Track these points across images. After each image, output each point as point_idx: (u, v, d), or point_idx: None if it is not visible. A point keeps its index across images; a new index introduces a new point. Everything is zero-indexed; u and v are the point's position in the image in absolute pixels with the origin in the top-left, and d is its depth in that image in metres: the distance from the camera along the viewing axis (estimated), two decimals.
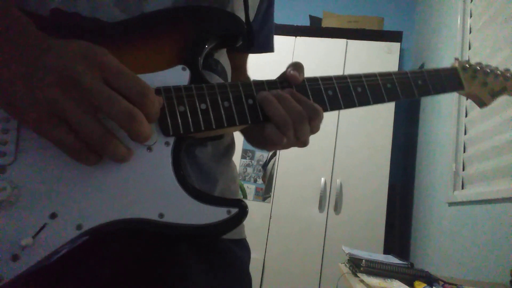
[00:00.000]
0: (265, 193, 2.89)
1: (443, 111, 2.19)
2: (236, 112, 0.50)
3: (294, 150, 2.40)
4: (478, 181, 1.64)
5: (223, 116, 0.49)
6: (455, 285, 1.11)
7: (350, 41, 2.78)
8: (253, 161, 3.08)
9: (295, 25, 3.00)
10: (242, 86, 0.51)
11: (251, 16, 0.67)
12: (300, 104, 0.51)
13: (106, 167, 0.43)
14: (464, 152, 1.81)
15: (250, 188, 3.02)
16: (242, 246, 0.64)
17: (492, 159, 1.51)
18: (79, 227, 0.41)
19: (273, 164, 2.72)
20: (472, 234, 1.57)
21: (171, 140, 0.46)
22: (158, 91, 0.47)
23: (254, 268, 2.47)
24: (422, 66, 2.83)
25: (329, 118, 2.63)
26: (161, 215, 0.44)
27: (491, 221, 1.43)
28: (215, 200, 0.46)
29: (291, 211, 2.57)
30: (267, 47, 0.77)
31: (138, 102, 0.41)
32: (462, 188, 1.78)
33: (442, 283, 1.15)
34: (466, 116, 1.85)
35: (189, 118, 0.47)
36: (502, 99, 1.45)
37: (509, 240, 1.26)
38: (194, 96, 0.48)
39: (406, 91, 0.61)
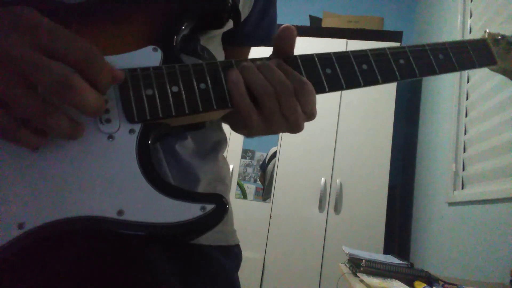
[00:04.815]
0: (264, 195, 2.89)
1: (443, 111, 2.19)
2: (214, 94, 0.43)
3: (294, 150, 2.37)
4: (478, 181, 1.64)
5: (198, 99, 0.42)
6: (455, 285, 1.11)
7: (350, 41, 2.78)
8: (253, 161, 3.08)
9: (295, 25, 2.99)
10: (221, 65, 0.45)
11: (248, 5, 0.61)
12: (287, 76, 0.44)
13: (57, 157, 0.37)
14: (464, 152, 1.81)
15: (250, 188, 3.02)
16: (229, 253, 0.56)
17: (492, 159, 1.51)
18: (21, 225, 0.35)
19: (274, 165, 2.71)
20: (472, 234, 1.57)
21: (137, 127, 0.40)
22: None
23: (254, 268, 2.47)
24: None
25: (329, 118, 2.64)
26: (120, 212, 0.37)
27: (491, 221, 1.42)
28: (188, 195, 0.39)
29: (291, 211, 2.57)
30: (269, 39, 0.69)
31: (80, 66, 0.35)
32: (462, 188, 1.78)
33: (442, 283, 1.15)
34: (466, 116, 1.85)
35: (158, 102, 0.41)
36: (502, 99, 1.45)
37: (509, 240, 1.25)
38: (164, 77, 0.42)
39: (424, 67, 0.52)
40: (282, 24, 0.49)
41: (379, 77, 0.49)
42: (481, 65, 0.58)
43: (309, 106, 0.45)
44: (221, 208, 0.39)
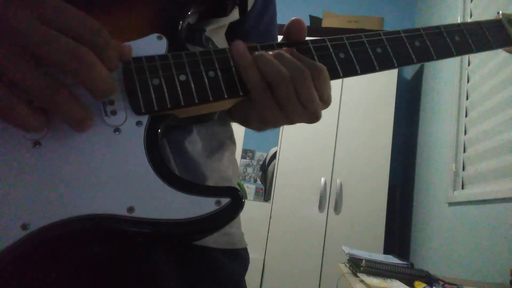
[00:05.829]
0: (266, 195, 2.89)
1: (443, 111, 2.19)
2: (223, 82, 0.41)
3: (294, 150, 2.36)
4: (478, 181, 1.64)
5: (208, 88, 0.40)
6: (455, 285, 1.11)
7: None
8: (253, 161, 3.08)
9: None
10: (230, 51, 0.43)
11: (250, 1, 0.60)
12: (302, 62, 0.42)
13: (61, 152, 0.35)
14: (464, 152, 1.81)
15: (250, 188, 3.02)
16: (237, 257, 0.54)
17: (492, 159, 1.51)
18: (24, 226, 0.33)
19: (274, 166, 2.71)
20: (472, 234, 1.57)
21: (144, 119, 0.39)
22: (127, 62, 0.39)
23: (254, 268, 2.47)
24: (422, 66, 2.83)
25: (329, 118, 2.63)
26: (130, 209, 0.35)
27: (491, 221, 1.43)
28: (200, 189, 0.37)
29: (291, 211, 2.57)
30: (270, 35, 0.68)
31: (87, 41, 0.34)
32: (462, 188, 1.78)
33: (442, 283, 1.15)
34: (466, 116, 1.85)
35: (165, 91, 0.39)
36: (502, 98, 1.45)
37: (509, 240, 1.25)
38: (171, 66, 0.40)
39: (441, 50, 0.50)
40: (283, 24, 0.48)
41: (394, 60, 0.47)
42: (497, 46, 0.56)
43: (326, 92, 0.43)
44: (236, 201, 0.37)
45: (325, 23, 3.03)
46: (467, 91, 1.87)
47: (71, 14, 0.34)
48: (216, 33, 0.56)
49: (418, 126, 2.72)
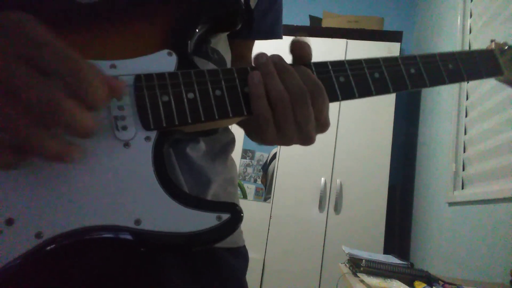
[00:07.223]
0: (266, 195, 2.89)
1: (443, 111, 2.19)
2: (229, 102, 0.43)
3: (294, 150, 2.35)
4: (478, 181, 1.64)
5: (214, 106, 0.42)
6: (455, 285, 1.11)
7: (350, 41, 2.78)
8: (253, 161, 3.08)
9: (295, 25, 3.00)
10: (237, 72, 0.44)
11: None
12: (304, 77, 0.43)
13: (73, 165, 0.37)
14: (464, 152, 1.81)
15: (250, 188, 3.02)
16: (238, 255, 0.57)
17: (492, 159, 1.51)
18: (38, 235, 0.35)
19: (274, 167, 2.71)
20: (472, 234, 1.57)
21: (153, 134, 0.40)
22: (138, 78, 0.41)
23: (254, 268, 2.47)
24: None
25: (329, 118, 2.63)
26: (137, 222, 0.37)
27: (491, 221, 1.42)
28: (203, 204, 0.40)
29: (291, 211, 2.57)
30: (273, 33, 0.68)
31: (69, 83, 0.32)
32: (462, 188, 1.78)
33: (442, 283, 1.15)
34: (466, 116, 1.85)
35: (174, 109, 0.41)
36: (502, 98, 1.45)
37: (509, 240, 1.25)
38: (180, 84, 0.42)
39: (434, 78, 0.52)
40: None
41: (390, 86, 0.49)
42: (488, 75, 0.58)
43: (323, 112, 0.44)
44: (235, 217, 0.40)
45: (325, 23, 3.03)
46: (467, 91, 1.87)
47: (55, 54, 0.32)
48: (220, 42, 0.57)
49: (418, 126, 2.72)
